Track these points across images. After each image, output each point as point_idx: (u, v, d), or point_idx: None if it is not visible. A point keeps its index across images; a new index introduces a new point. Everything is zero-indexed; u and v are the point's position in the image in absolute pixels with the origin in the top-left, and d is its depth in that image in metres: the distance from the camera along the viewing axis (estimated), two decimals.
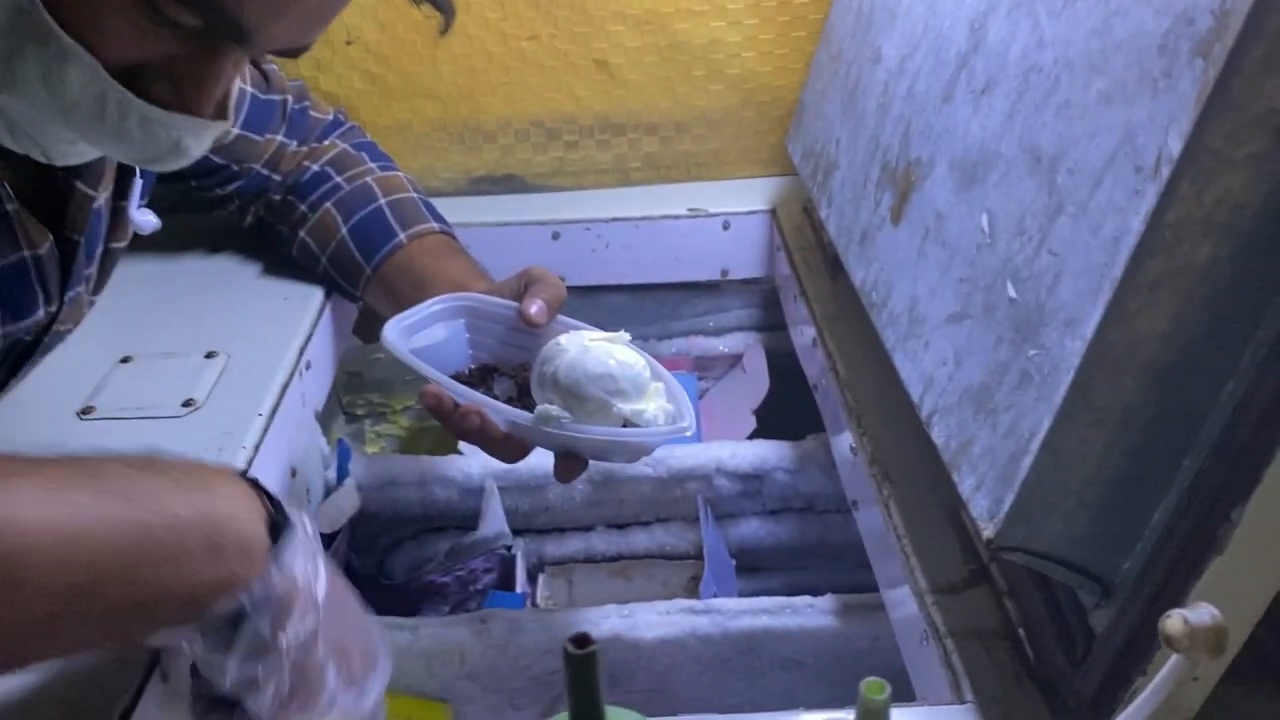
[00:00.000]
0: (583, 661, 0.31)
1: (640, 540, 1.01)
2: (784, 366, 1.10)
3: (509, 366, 0.73)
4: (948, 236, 0.63)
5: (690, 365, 1.16)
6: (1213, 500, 0.45)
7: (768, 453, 0.98)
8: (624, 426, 0.64)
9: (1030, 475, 0.49)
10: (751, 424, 1.08)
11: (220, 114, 0.59)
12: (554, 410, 0.62)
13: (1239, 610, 0.45)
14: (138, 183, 0.74)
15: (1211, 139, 0.42)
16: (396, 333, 0.69)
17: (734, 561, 0.99)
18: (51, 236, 0.67)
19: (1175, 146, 0.43)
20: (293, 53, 0.58)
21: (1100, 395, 0.47)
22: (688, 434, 0.65)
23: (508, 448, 0.67)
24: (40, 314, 0.69)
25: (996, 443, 0.52)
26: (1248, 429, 0.44)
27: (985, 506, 0.52)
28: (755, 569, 1.03)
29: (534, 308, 0.71)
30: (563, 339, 0.65)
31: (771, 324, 1.16)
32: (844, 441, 0.80)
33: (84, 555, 0.42)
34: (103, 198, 0.71)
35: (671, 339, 1.17)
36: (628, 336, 0.67)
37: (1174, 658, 0.37)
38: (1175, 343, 0.46)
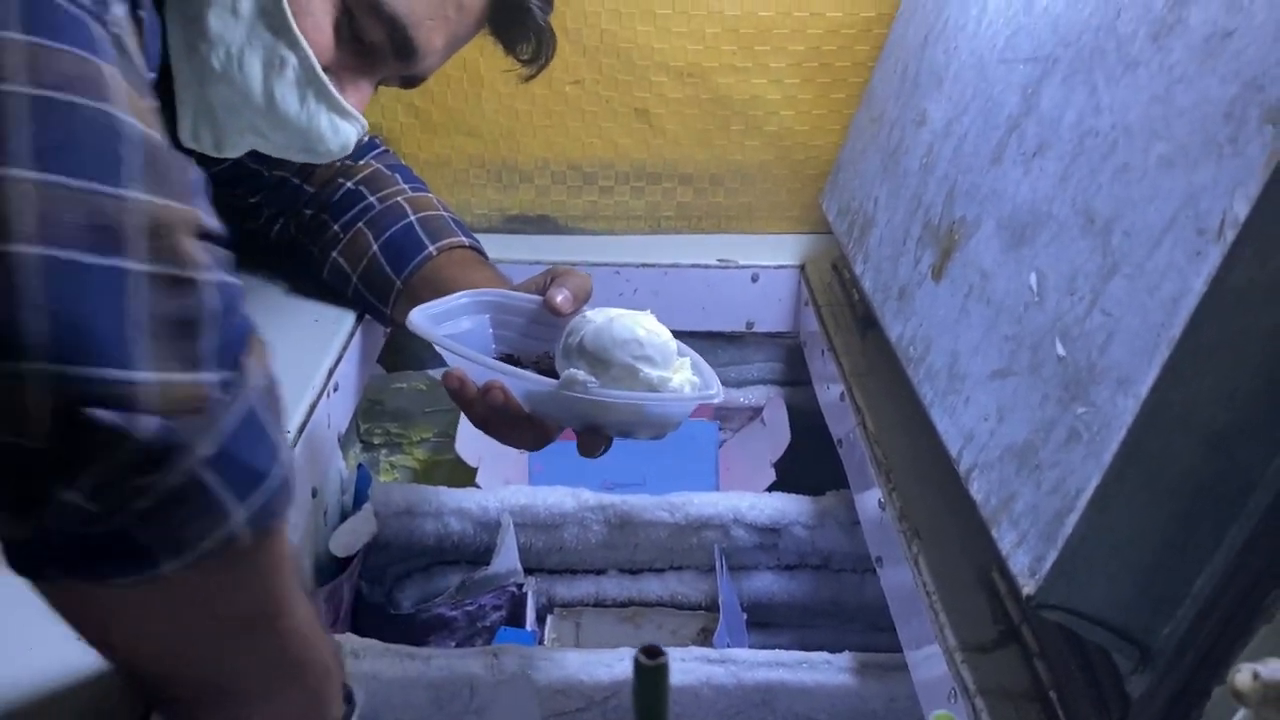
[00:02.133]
0: (653, 673, 0.31)
1: (653, 587, 1.00)
2: (804, 422, 1.10)
3: (529, 357, 0.73)
4: (993, 294, 0.63)
5: (711, 414, 1.16)
6: (1262, 568, 0.45)
7: (787, 506, 0.97)
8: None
9: (1075, 533, 0.49)
10: (771, 476, 1.07)
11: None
12: (580, 375, 0.61)
13: None
14: None
15: (1277, 205, 0.42)
16: (423, 317, 0.68)
17: (745, 615, 0.98)
18: None
19: (1242, 210, 0.43)
20: (416, 81, 0.74)
21: (1151, 456, 0.47)
22: (716, 400, 0.64)
23: (528, 431, 0.66)
24: None
25: (1041, 499, 0.52)
26: None
27: (1026, 563, 0.52)
28: (766, 624, 1.02)
29: (560, 297, 0.72)
30: (589, 312, 0.65)
31: (794, 379, 1.16)
32: (871, 497, 0.79)
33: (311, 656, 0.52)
34: None
35: None
36: (652, 314, 0.67)
37: (1240, 713, 0.36)
38: (1230, 408, 0.46)
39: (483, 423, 0.67)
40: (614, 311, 0.66)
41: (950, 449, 0.63)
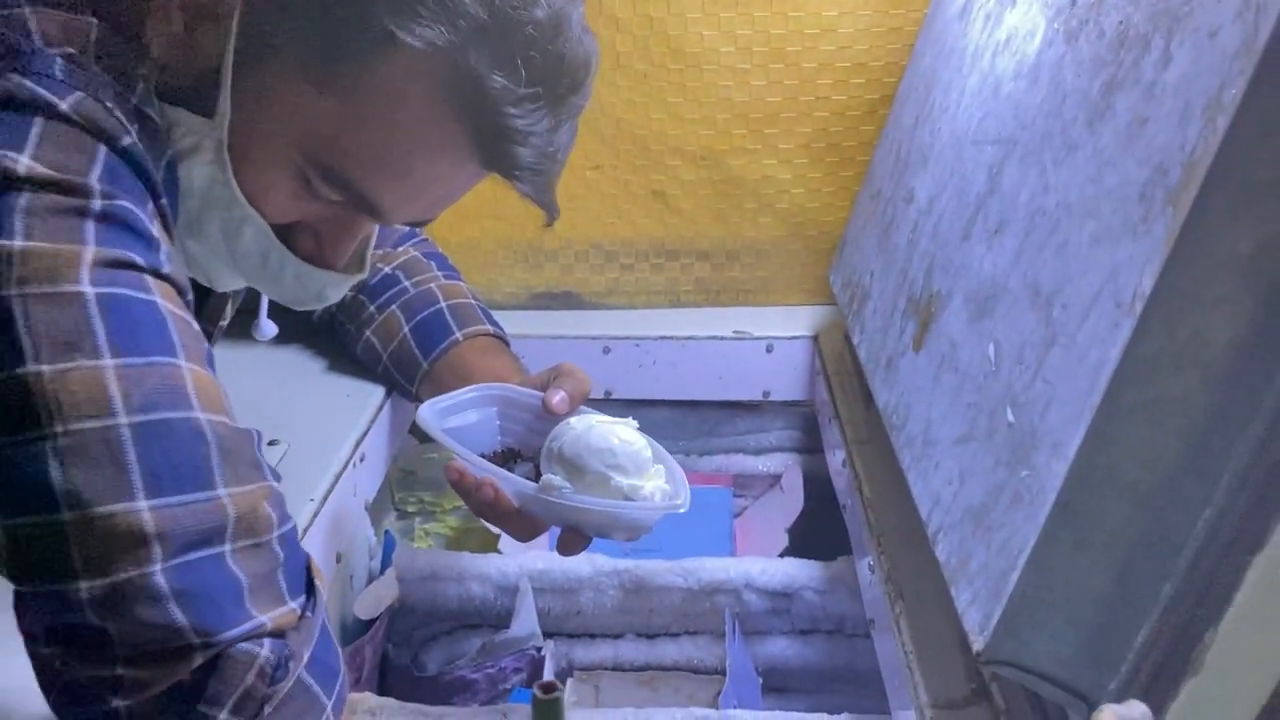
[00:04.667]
0: (549, 707, 0.34)
1: (669, 651, 1.02)
2: (821, 489, 1.13)
3: (531, 452, 0.78)
4: (960, 364, 0.66)
5: (729, 482, 1.19)
6: (1187, 622, 0.47)
7: (797, 571, 1.00)
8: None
9: (1016, 590, 0.51)
10: (783, 542, 1.10)
11: (359, 265, 0.72)
12: (556, 480, 0.66)
13: None
14: (264, 298, 0.81)
15: (1180, 279, 0.46)
16: (432, 413, 0.74)
17: (761, 680, 1.00)
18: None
19: (1148, 285, 0.46)
20: (420, 224, 0.71)
21: (1082, 516, 0.49)
22: (681, 510, 0.68)
23: (520, 523, 0.72)
24: None
25: (990, 559, 0.55)
26: (1218, 555, 0.46)
27: (977, 620, 0.54)
28: (782, 689, 1.03)
29: (556, 397, 0.77)
30: (573, 420, 0.70)
31: (811, 447, 1.19)
32: (866, 562, 0.82)
33: None
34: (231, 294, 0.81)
35: (713, 455, 1.20)
36: (635, 422, 0.72)
37: None
38: (1154, 469, 0.48)
39: (478, 513, 0.73)
40: (596, 419, 0.72)
41: (922, 512, 0.66)
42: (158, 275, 0.53)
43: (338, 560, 0.88)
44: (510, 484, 0.70)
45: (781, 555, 1.07)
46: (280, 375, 1.00)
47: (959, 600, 0.57)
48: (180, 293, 0.55)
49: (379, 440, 0.98)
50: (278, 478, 0.56)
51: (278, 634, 0.52)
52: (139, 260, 0.52)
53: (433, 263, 1.03)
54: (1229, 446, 0.47)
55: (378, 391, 0.99)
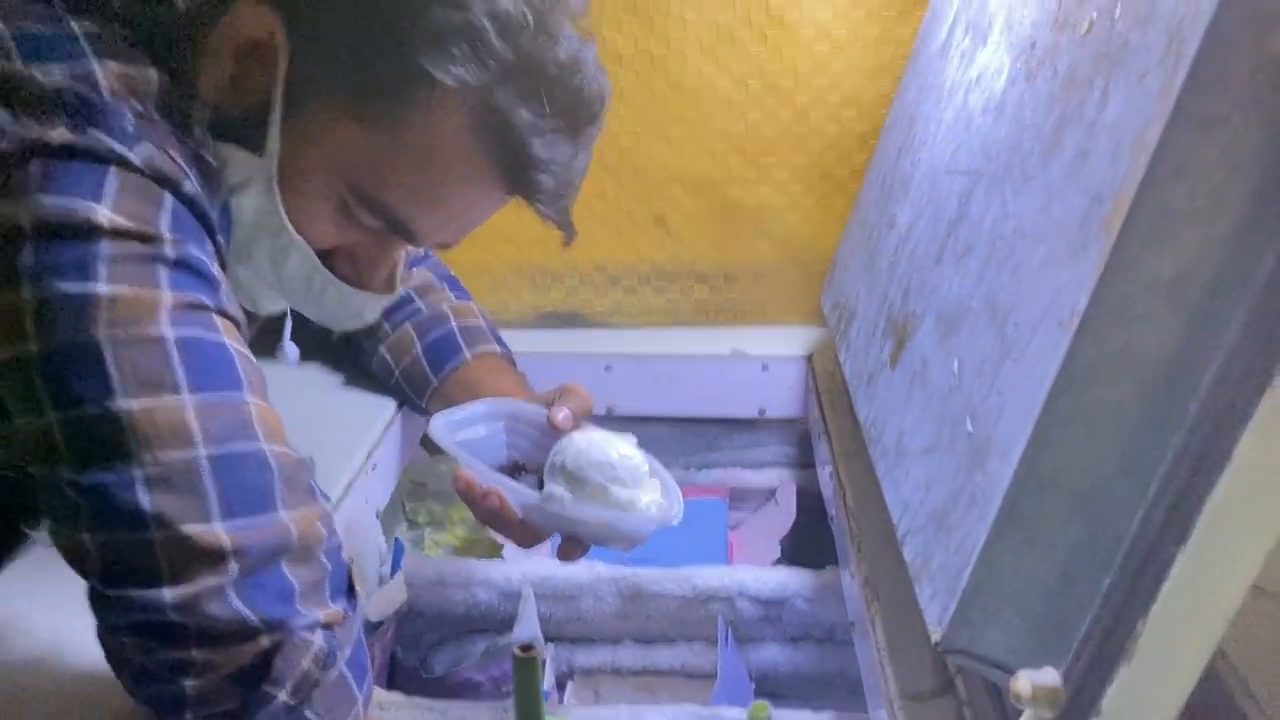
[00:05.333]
0: (526, 665, 0.39)
1: (665, 656, 1.07)
2: (814, 503, 1.17)
3: (535, 465, 0.82)
4: (929, 379, 0.71)
5: (725, 495, 1.23)
6: (1121, 613, 0.51)
7: (789, 580, 1.04)
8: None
9: (970, 585, 0.56)
10: (776, 553, 1.14)
11: (390, 286, 0.77)
12: (558, 491, 0.71)
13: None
14: (289, 321, 0.86)
15: (1110, 299, 0.50)
16: (443, 424, 0.79)
17: (753, 685, 1.04)
18: None
19: (1083, 303, 0.51)
20: (447, 246, 0.76)
21: (1027, 516, 0.54)
22: (674, 523, 0.73)
23: (523, 532, 0.76)
24: None
25: (949, 558, 0.59)
26: (1147, 551, 0.50)
27: (936, 614, 0.59)
28: (775, 694, 1.07)
29: (561, 414, 0.82)
30: (575, 434, 0.75)
31: (804, 462, 1.23)
32: (849, 568, 0.86)
33: None
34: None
35: (710, 469, 1.25)
36: (634, 438, 0.76)
37: (1026, 713, 0.43)
38: (1091, 472, 0.53)
39: (484, 521, 0.78)
40: (597, 434, 0.76)
41: (894, 517, 0.70)
42: (222, 314, 0.60)
43: (350, 564, 0.93)
44: (515, 493, 0.75)
45: (774, 565, 1.12)
46: (299, 387, 1.06)
47: (921, 596, 0.61)
48: (238, 326, 0.62)
49: (390, 451, 1.03)
50: (327, 498, 0.64)
51: (327, 627, 0.60)
52: (207, 301, 0.59)
53: (445, 284, 1.08)
54: (1157, 450, 0.51)
55: (390, 404, 1.05)
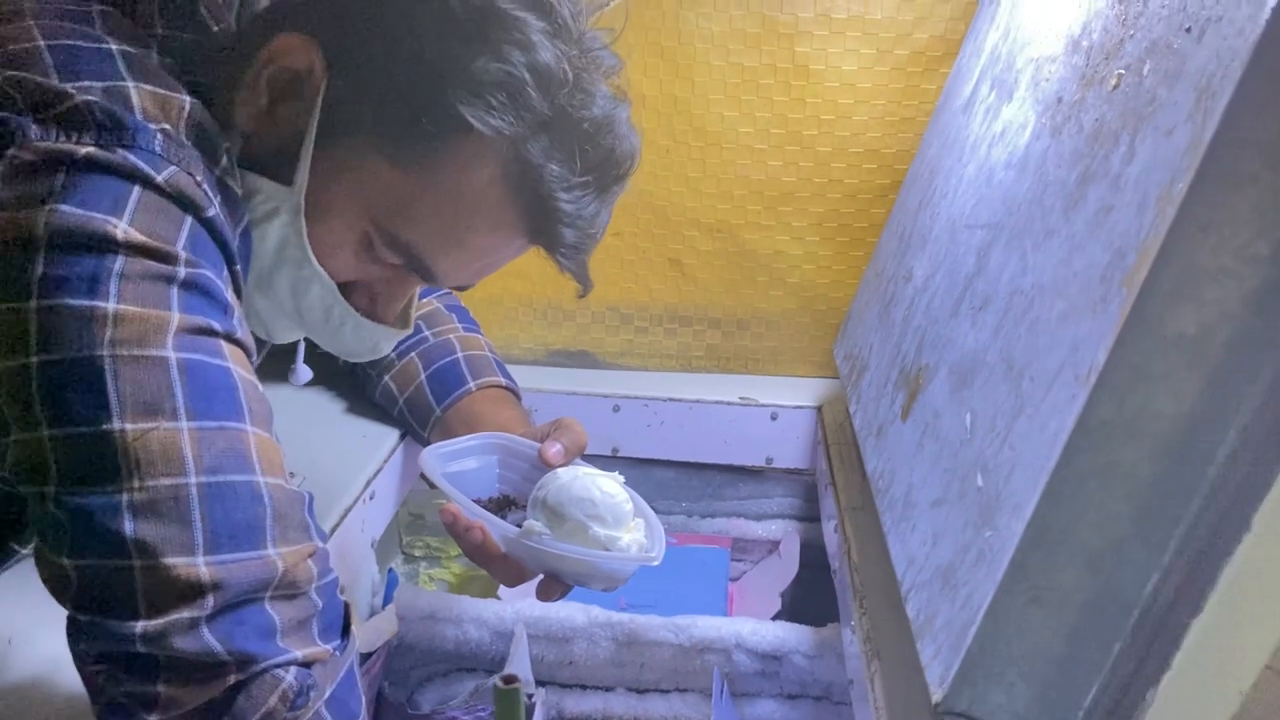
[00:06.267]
0: (508, 696, 0.38)
1: (658, 707, 1.04)
2: (818, 557, 1.15)
3: (526, 500, 0.81)
4: (941, 432, 0.70)
5: (729, 544, 1.21)
6: (1130, 682, 0.49)
7: (787, 634, 1.01)
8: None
9: (974, 644, 0.54)
10: (776, 606, 1.12)
11: (405, 321, 0.77)
12: (537, 526, 0.70)
13: None
14: (302, 344, 0.86)
15: (1130, 355, 0.49)
16: (434, 457, 0.78)
17: None
18: None
19: (1102, 359, 0.50)
20: (464, 288, 0.77)
21: (1037, 574, 0.52)
22: (654, 563, 0.71)
23: (506, 568, 0.75)
24: None
25: (954, 614, 0.57)
26: (1160, 618, 0.49)
27: (938, 673, 0.57)
28: None
29: (552, 449, 0.80)
30: (560, 470, 0.74)
31: (810, 515, 1.22)
32: (850, 624, 0.84)
33: None
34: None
35: (714, 518, 1.23)
36: (621, 476, 0.75)
37: None
38: (1104, 533, 0.51)
39: (469, 554, 0.76)
40: (583, 470, 0.75)
41: (898, 572, 0.68)
42: (231, 339, 0.58)
43: (340, 592, 0.91)
44: (496, 528, 0.73)
45: (774, 619, 1.09)
46: (303, 414, 1.05)
47: (923, 654, 0.59)
48: (248, 354, 0.61)
49: (389, 480, 1.02)
50: (324, 537, 0.62)
51: (305, 665, 0.57)
52: (217, 326, 0.57)
53: (453, 315, 1.08)
54: (1174, 514, 0.50)
55: (392, 434, 1.04)
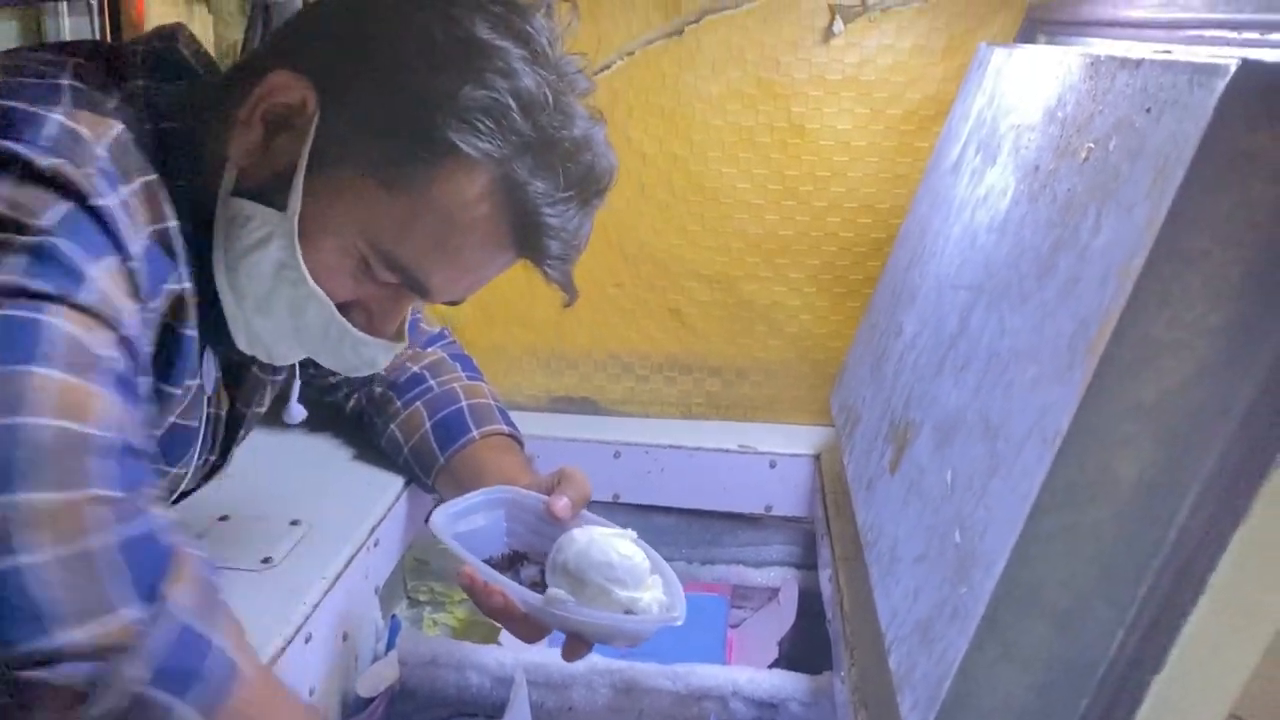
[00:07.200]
0: None
1: None
2: (816, 605, 1.16)
3: (536, 554, 0.83)
4: (924, 488, 0.72)
5: (728, 592, 1.23)
6: None
7: (784, 682, 1.03)
8: (625, 613, 0.73)
9: (949, 697, 0.56)
10: (773, 654, 1.13)
11: (400, 335, 0.79)
12: (561, 594, 0.72)
13: None
14: (297, 383, 0.89)
15: (1091, 421, 0.51)
16: (444, 519, 0.80)
17: None
18: (230, 403, 0.84)
19: (1065, 424, 0.52)
20: (455, 303, 0.79)
21: (1007, 631, 0.54)
22: (677, 623, 0.73)
23: (527, 627, 0.77)
24: (202, 461, 0.84)
25: (930, 668, 0.59)
26: (1123, 675, 0.50)
27: None
28: None
29: (560, 503, 0.83)
30: (576, 532, 0.76)
31: (809, 563, 1.23)
32: (840, 674, 0.85)
33: None
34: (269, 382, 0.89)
35: (714, 565, 1.25)
36: (634, 534, 0.77)
37: None
38: (1071, 591, 0.53)
39: (489, 615, 0.79)
40: (598, 532, 0.78)
41: (882, 624, 0.70)
42: (69, 303, 0.55)
43: (344, 639, 0.93)
44: (518, 594, 0.76)
45: (771, 667, 1.11)
46: (309, 460, 1.08)
47: (903, 706, 0.61)
48: (106, 323, 0.57)
49: (394, 527, 1.05)
50: (155, 478, 0.55)
51: (98, 653, 0.48)
52: (47, 289, 0.54)
53: (458, 364, 1.10)
54: (1136, 573, 0.52)
55: (397, 482, 1.06)
